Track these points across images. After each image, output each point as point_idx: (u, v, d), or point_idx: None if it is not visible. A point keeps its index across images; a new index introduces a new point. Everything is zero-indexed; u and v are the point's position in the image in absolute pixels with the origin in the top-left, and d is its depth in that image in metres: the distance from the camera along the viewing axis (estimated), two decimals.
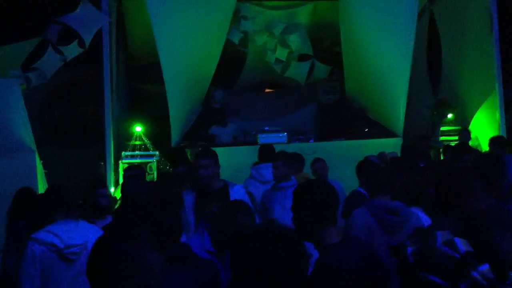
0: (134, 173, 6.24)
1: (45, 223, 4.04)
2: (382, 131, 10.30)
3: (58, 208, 4.10)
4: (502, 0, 9.32)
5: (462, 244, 2.52)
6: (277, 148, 7.29)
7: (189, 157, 8.17)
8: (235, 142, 10.10)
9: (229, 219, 3.41)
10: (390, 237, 3.84)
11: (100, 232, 4.04)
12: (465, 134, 9.34)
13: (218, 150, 5.35)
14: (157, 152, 9.22)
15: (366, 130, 10.62)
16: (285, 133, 9.80)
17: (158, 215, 2.89)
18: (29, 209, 4.77)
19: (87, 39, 8.52)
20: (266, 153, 6.82)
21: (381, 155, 7.77)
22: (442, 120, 10.17)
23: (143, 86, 11.83)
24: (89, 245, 3.87)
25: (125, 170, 7.30)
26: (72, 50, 8.54)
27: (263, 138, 9.47)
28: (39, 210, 4.29)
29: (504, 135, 8.83)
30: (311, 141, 9.77)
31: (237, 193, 4.84)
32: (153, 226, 2.65)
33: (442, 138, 10.15)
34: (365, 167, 5.94)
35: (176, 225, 2.95)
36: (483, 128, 9.60)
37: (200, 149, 6.51)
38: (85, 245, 3.97)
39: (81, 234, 4.02)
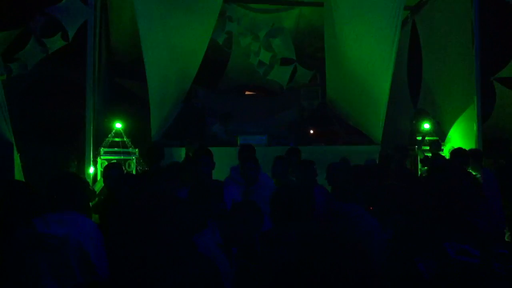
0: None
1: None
2: (361, 138, 10.41)
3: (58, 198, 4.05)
4: (485, 13, 9.46)
5: (473, 249, 2.56)
6: (257, 151, 7.34)
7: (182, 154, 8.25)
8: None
9: (240, 219, 3.60)
10: None
11: (88, 223, 4.02)
12: (436, 144, 9.49)
13: None
14: (136, 150, 9.15)
15: (345, 136, 10.73)
16: (265, 136, 9.83)
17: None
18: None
19: (71, 32, 8.45)
20: (246, 154, 6.84)
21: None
22: (419, 130, 10.31)
23: (124, 82, 11.75)
24: (70, 239, 3.88)
25: (105, 168, 7.24)
26: (55, 43, 8.45)
27: (243, 140, 9.48)
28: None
29: (481, 147, 8.97)
30: (291, 144, 9.79)
31: (231, 192, 4.94)
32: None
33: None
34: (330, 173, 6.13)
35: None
36: (460, 140, 9.74)
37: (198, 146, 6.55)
38: (64, 238, 3.89)
39: (66, 226, 3.92)
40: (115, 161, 8.43)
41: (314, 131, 10.88)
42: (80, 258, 3.86)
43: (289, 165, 6.92)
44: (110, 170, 6.02)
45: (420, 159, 9.80)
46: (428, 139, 9.97)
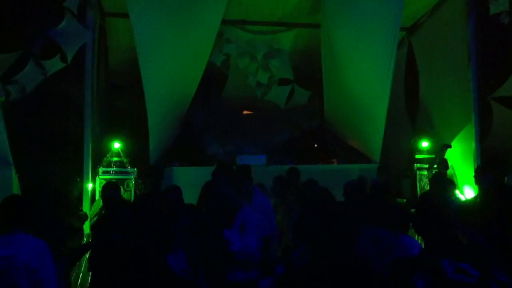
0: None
1: None
2: (359, 157, 10.43)
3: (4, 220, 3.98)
4: (480, 33, 9.54)
5: (472, 269, 2.53)
6: (256, 171, 7.31)
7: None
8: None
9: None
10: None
11: (36, 241, 3.97)
12: (444, 163, 9.45)
13: (200, 169, 5.37)
14: (135, 169, 9.15)
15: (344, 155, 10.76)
16: (264, 155, 9.84)
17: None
18: None
19: (70, 54, 8.50)
20: (245, 174, 6.81)
21: (361, 178, 7.84)
22: (418, 149, 10.33)
23: (122, 104, 11.79)
24: (16, 260, 3.83)
25: (103, 187, 7.20)
26: (54, 65, 8.49)
27: (241, 160, 9.48)
28: None
29: (479, 165, 8.97)
30: (290, 164, 9.80)
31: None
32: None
33: (417, 165, 10.26)
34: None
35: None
36: (459, 158, 9.75)
37: None
38: (9, 259, 3.86)
39: (10, 247, 3.89)
40: (114, 180, 8.42)
41: (312, 151, 10.91)
42: (26, 277, 3.84)
43: (289, 185, 6.91)
44: (108, 190, 6.02)
45: (430, 179, 9.77)
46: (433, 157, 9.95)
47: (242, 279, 5.24)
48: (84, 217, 7.04)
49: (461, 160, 9.68)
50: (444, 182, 7.14)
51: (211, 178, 6.02)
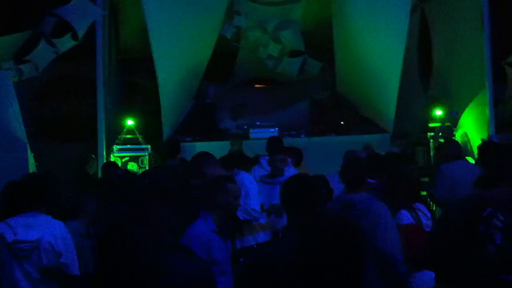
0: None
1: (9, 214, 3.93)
2: (372, 127, 10.41)
3: (22, 200, 3.94)
4: None
5: None
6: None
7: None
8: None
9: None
10: None
11: (63, 230, 4.01)
12: (449, 130, 9.42)
13: (213, 144, 5.42)
14: (149, 146, 9.22)
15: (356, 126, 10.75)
16: (277, 128, 9.86)
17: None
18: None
19: (81, 32, 8.50)
20: (275, 145, 6.84)
21: (366, 148, 7.87)
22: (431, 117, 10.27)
23: (134, 80, 11.81)
24: (43, 243, 3.88)
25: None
26: (65, 43, 8.51)
27: (254, 133, 9.51)
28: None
29: (494, 132, 8.91)
30: (302, 136, 9.82)
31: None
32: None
33: (430, 134, 10.23)
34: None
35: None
36: (473, 125, 9.68)
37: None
38: (38, 242, 3.88)
39: (37, 230, 3.89)
40: (127, 158, 8.51)
41: (325, 122, 10.89)
42: (51, 260, 3.90)
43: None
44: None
45: (435, 147, 9.75)
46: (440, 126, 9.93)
47: (252, 244, 5.44)
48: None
49: (475, 127, 9.61)
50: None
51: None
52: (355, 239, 2.19)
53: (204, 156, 5.01)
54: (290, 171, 6.11)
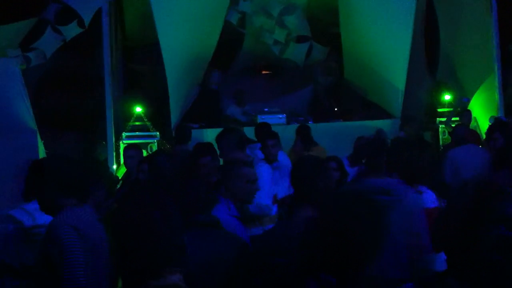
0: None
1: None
2: (380, 112, 10.38)
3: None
4: None
5: None
6: (277, 129, 7.32)
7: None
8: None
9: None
10: None
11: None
12: (467, 115, 9.35)
13: (213, 131, 5.42)
14: (157, 133, 9.21)
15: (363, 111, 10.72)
16: (284, 114, 9.85)
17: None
18: None
19: (87, 19, 8.47)
20: (265, 131, 6.83)
21: (379, 132, 7.85)
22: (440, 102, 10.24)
23: (140, 67, 11.77)
24: None
25: (124, 149, 7.28)
26: (72, 30, 8.50)
27: (262, 119, 9.48)
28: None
29: (503, 115, 8.90)
30: (310, 122, 9.79)
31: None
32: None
33: (439, 119, 10.21)
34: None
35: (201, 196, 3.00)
36: (482, 110, 9.67)
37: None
38: None
39: None
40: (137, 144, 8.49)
41: (332, 107, 10.87)
42: None
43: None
44: (128, 151, 6.16)
45: (449, 132, 9.72)
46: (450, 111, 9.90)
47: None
48: (116, 180, 7.11)
49: (484, 112, 9.59)
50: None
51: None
52: (373, 222, 2.20)
53: (225, 134, 4.96)
54: (281, 155, 6.16)
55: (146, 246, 1.94)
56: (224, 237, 3.01)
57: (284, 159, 6.34)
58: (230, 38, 11.61)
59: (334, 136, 9.06)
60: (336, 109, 10.99)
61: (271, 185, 5.52)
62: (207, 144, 5.78)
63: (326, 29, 12.29)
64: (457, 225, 2.26)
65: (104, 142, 8.16)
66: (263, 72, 12.50)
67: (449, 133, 9.44)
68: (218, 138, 5.41)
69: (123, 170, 7.86)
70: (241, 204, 3.86)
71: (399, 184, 3.86)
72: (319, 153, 7.05)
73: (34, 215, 3.83)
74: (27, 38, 8.49)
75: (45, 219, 3.80)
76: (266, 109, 10.09)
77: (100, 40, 8.86)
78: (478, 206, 2.28)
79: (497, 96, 9.17)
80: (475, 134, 8.52)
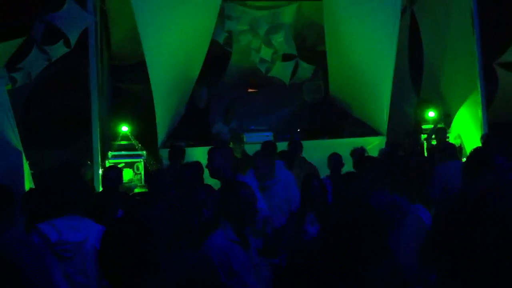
0: None
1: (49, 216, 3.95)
2: (366, 129, 10.45)
3: (64, 202, 3.98)
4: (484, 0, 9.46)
5: None
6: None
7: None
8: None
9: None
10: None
11: (98, 227, 3.98)
12: (442, 132, 9.51)
13: (207, 150, 5.38)
14: (144, 152, 9.18)
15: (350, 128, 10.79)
16: (271, 132, 9.88)
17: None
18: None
19: (73, 38, 8.48)
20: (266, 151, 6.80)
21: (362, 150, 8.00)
22: (424, 119, 10.35)
23: (127, 86, 11.78)
24: (86, 245, 3.89)
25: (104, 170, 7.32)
26: (58, 50, 8.48)
27: (249, 138, 9.51)
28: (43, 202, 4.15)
29: (486, 131, 8.98)
30: (296, 139, 9.83)
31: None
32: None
33: (423, 136, 10.31)
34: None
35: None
36: (466, 126, 9.76)
37: None
38: (81, 244, 3.88)
39: (81, 232, 3.90)
40: (123, 164, 8.48)
41: (319, 125, 10.93)
42: (95, 262, 3.81)
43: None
44: (108, 171, 6.19)
45: (428, 148, 9.84)
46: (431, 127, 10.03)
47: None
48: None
49: (468, 128, 9.67)
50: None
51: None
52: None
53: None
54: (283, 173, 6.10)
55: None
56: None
57: (286, 176, 6.18)
58: (218, 56, 11.68)
59: (322, 154, 9.08)
60: (322, 126, 11.03)
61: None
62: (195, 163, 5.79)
63: (312, 47, 12.42)
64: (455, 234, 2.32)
65: (89, 162, 8.12)
66: (250, 90, 12.56)
67: (428, 150, 9.55)
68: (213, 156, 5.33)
69: None
70: (242, 228, 3.71)
71: (404, 201, 3.90)
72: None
73: (61, 231, 3.83)
74: (13, 58, 8.47)
75: (73, 235, 3.81)
76: (252, 127, 10.11)
77: (87, 59, 8.85)
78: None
79: (480, 113, 9.25)
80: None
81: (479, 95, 9.31)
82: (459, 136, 9.74)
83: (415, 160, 7.08)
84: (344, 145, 9.18)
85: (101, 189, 8.33)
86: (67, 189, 4.11)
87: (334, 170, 7.72)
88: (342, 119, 11.21)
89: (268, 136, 9.71)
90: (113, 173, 6.43)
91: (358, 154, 7.98)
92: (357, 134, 10.33)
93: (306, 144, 9.07)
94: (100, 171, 8.26)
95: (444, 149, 7.27)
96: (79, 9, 8.66)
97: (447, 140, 9.33)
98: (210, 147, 6.01)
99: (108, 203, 4.98)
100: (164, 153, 9.10)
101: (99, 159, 8.41)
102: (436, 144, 9.40)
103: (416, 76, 11.46)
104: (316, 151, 9.41)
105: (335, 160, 7.86)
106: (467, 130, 9.77)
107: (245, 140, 9.45)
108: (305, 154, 8.64)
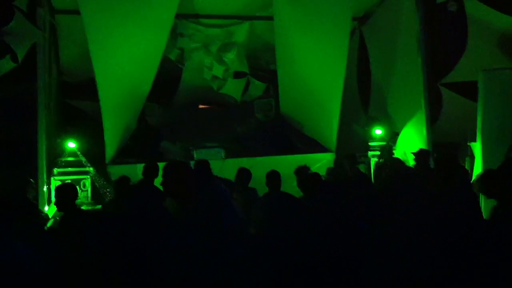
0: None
1: None
2: (316, 147, 10.59)
3: None
4: (429, 22, 9.76)
5: None
6: (215, 164, 7.32)
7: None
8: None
9: None
10: None
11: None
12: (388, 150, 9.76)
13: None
14: (92, 169, 9.03)
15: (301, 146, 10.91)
16: (222, 149, 9.88)
17: None
18: None
19: (20, 53, 8.34)
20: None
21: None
22: (371, 137, 10.57)
23: (75, 102, 11.59)
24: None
25: (56, 188, 7.13)
26: (5, 65, 8.32)
27: (199, 154, 9.48)
28: None
29: (430, 149, 9.22)
30: (247, 156, 9.87)
31: None
32: None
33: (370, 153, 10.52)
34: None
35: None
36: (411, 143, 10.00)
37: None
38: None
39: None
40: (69, 181, 8.31)
41: (270, 142, 10.99)
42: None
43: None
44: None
45: (377, 165, 10.03)
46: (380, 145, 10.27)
47: None
48: (46, 219, 6.93)
49: (414, 145, 9.92)
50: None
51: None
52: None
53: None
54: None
55: None
56: None
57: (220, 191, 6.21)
58: (170, 73, 11.66)
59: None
60: (274, 143, 11.11)
61: None
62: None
63: (265, 66, 12.55)
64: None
65: (32, 180, 7.92)
66: (201, 106, 12.57)
67: (378, 167, 9.74)
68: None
69: (54, 208, 7.67)
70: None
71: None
72: None
73: None
74: None
75: None
76: (204, 144, 10.10)
77: (35, 75, 8.70)
78: None
79: (425, 131, 9.52)
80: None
81: (424, 114, 9.57)
82: (405, 154, 9.97)
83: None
84: (295, 162, 9.25)
85: (49, 206, 8.18)
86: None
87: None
88: (293, 137, 11.33)
89: (219, 152, 9.73)
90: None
91: (303, 173, 8.02)
92: (307, 151, 10.45)
93: (257, 161, 9.11)
94: (45, 188, 8.09)
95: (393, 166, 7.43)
96: (28, 24, 8.55)
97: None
98: (161, 163, 5.98)
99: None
100: (113, 170, 8.98)
101: (44, 176, 8.24)
102: (383, 162, 9.61)
103: (364, 95, 11.71)
104: (268, 167, 9.45)
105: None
106: (412, 147, 10.02)
107: (194, 156, 9.43)
108: (256, 171, 8.66)
